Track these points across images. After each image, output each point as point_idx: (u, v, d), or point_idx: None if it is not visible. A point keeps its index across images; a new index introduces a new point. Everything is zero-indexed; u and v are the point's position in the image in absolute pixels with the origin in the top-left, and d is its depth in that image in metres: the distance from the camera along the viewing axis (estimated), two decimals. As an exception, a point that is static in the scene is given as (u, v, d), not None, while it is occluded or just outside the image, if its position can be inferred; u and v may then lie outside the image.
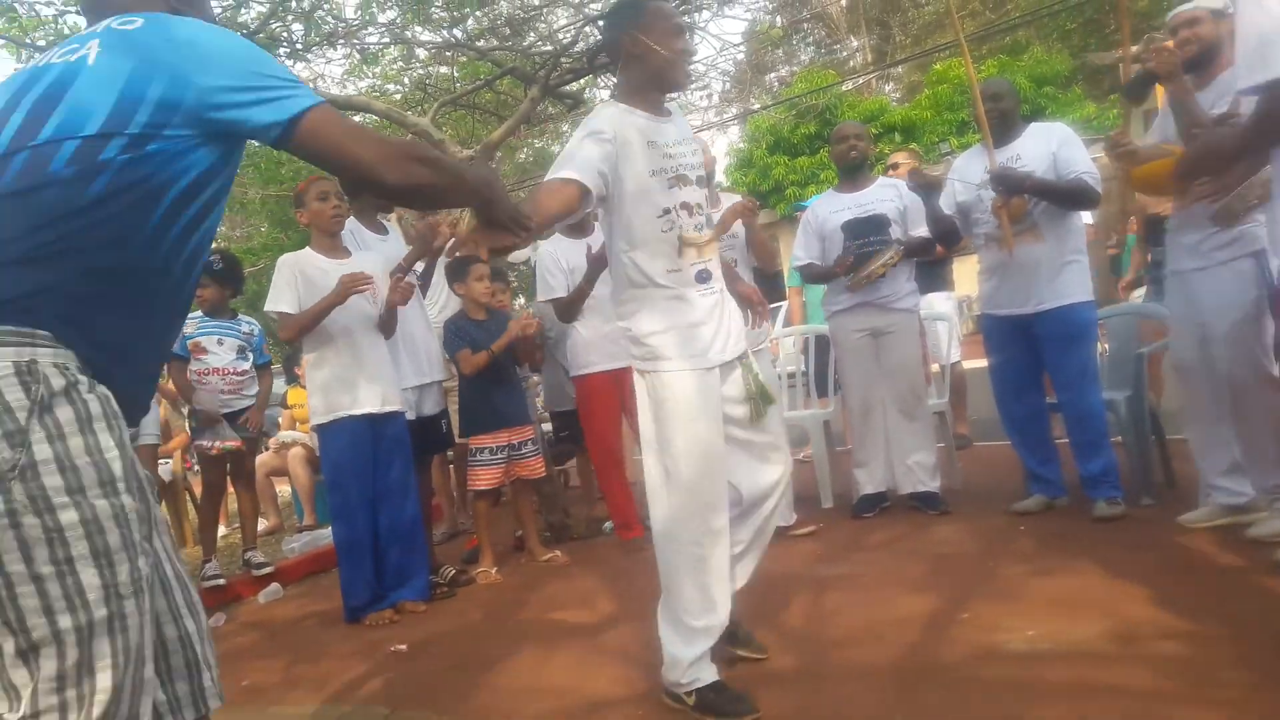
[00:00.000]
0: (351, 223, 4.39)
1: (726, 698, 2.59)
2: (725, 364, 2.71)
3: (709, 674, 2.62)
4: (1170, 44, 3.30)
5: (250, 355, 5.21)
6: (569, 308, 4.86)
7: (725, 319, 2.73)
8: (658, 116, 2.72)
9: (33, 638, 1.29)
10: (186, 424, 5.42)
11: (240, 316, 5.32)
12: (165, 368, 5.23)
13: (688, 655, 2.60)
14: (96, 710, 1.33)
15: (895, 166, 5.71)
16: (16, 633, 1.29)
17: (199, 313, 5.14)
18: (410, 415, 4.37)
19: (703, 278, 2.70)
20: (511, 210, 2.00)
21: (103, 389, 1.42)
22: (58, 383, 1.35)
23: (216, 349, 5.07)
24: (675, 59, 2.69)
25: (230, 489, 5.39)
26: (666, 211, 2.66)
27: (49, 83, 1.46)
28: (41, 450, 1.31)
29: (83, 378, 1.39)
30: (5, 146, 1.42)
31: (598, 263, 4.80)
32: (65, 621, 1.30)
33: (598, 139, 2.58)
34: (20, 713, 1.30)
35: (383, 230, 4.67)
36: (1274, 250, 2.29)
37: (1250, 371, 3.39)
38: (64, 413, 1.34)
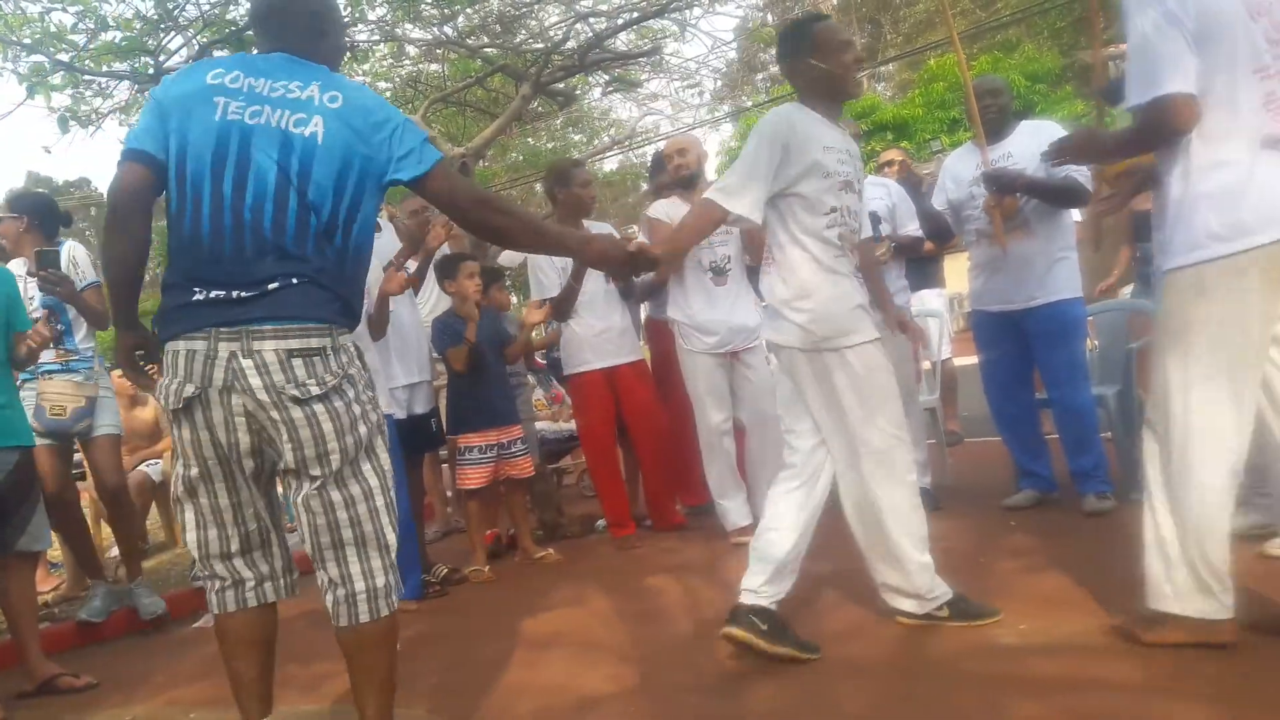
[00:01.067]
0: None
1: (974, 605, 2.96)
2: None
3: (946, 588, 2.95)
4: None
5: None
6: (561, 306, 4.85)
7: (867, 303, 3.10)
8: (834, 125, 3.05)
9: (370, 484, 2.27)
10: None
11: None
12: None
13: (929, 569, 2.95)
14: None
15: (891, 164, 5.71)
16: (366, 477, 2.26)
17: None
18: (401, 414, 4.35)
19: (856, 271, 3.11)
20: (627, 260, 2.65)
21: None
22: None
23: None
24: (846, 73, 3.02)
25: None
26: (833, 210, 2.98)
27: (301, 159, 2.17)
28: (372, 392, 2.33)
29: None
30: (327, 220, 2.19)
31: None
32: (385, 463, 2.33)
33: (769, 148, 2.92)
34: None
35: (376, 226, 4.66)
36: (1159, 253, 2.51)
37: None
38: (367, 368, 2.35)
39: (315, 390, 2.13)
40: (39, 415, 4.26)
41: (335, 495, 2.21)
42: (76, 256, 4.51)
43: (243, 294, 2.10)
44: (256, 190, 2.13)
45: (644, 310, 5.80)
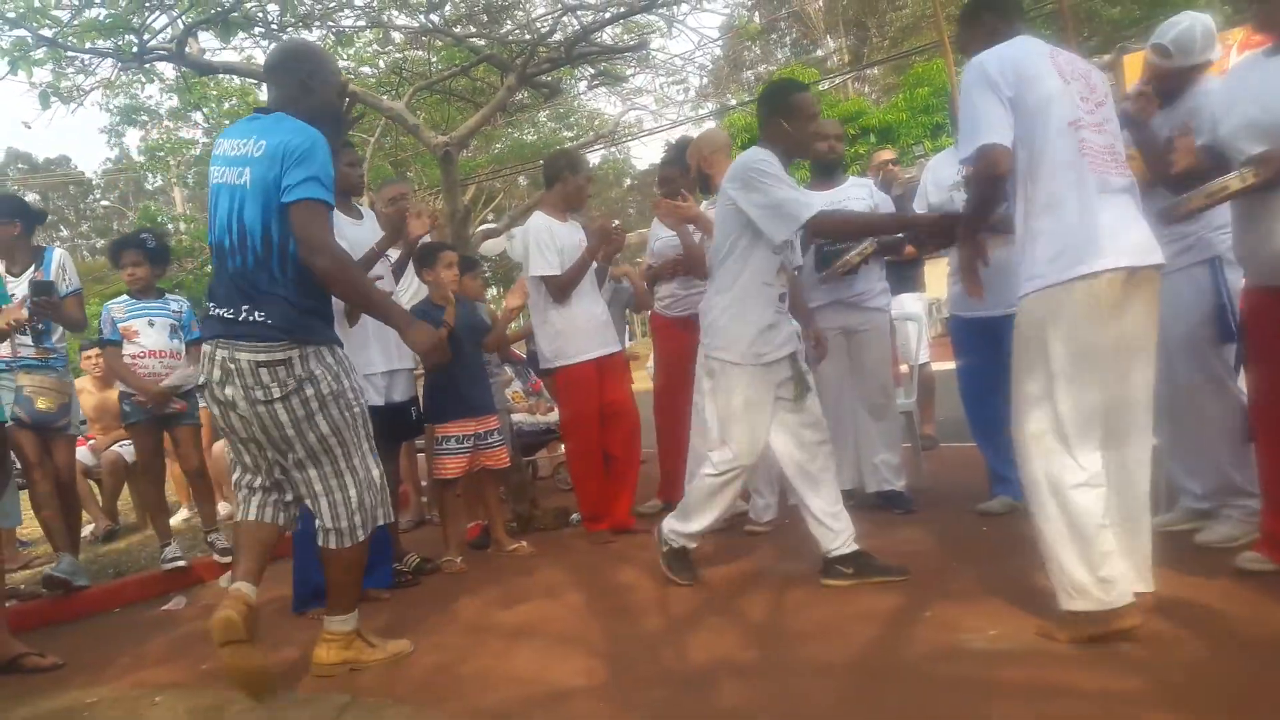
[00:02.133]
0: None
1: (878, 563, 3.50)
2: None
3: (850, 545, 3.51)
4: (1148, 90, 3.37)
5: (182, 333, 5.10)
6: (569, 284, 4.78)
7: (788, 326, 3.66)
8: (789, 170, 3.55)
9: (340, 464, 3.04)
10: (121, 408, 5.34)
11: (168, 295, 5.23)
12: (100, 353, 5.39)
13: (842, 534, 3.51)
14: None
15: (895, 162, 5.76)
16: (336, 457, 3.02)
17: (125, 297, 5.10)
18: (379, 401, 4.32)
19: (783, 299, 3.61)
20: (434, 349, 3.33)
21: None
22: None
23: (148, 330, 4.98)
24: (806, 139, 3.60)
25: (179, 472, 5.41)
26: (787, 243, 3.50)
27: (241, 204, 2.89)
28: (339, 386, 3.00)
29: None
30: (261, 251, 2.88)
31: (601, 233, 4.79)
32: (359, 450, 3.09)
33: (787, 181, 3.46)
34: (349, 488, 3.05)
35: (357, 215, 4.63)
36: (1020, 278, 2.83)
37: (1204, 377, 3.45)
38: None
39: (277, 393, 2.86)
40: (26, 406, 4.40)
41: (311, 472, 2.99)
42: (65, 264, 4.72)
43: (230, 315, 2.86)
44: (237, 236, 2.86)
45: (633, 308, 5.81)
